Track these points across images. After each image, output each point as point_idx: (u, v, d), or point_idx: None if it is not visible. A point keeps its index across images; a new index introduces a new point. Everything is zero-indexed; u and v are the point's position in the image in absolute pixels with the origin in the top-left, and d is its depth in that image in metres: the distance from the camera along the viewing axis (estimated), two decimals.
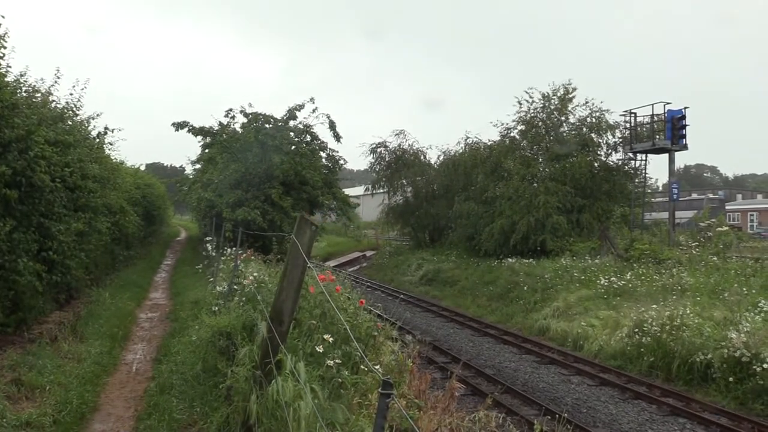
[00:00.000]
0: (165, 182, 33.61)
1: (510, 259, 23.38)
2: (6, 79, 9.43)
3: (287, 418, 3.87)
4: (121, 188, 17.62)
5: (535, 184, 25.12)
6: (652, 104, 22.83)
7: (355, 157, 60.78)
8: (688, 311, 12.65)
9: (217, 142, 22.45)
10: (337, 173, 24.20)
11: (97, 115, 14.45)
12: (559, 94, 25.99)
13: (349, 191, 33.62)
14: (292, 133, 22.18)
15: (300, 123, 22.37)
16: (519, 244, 23.97)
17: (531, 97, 26.42)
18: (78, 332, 10.34)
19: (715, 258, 17.85)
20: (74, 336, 10.05)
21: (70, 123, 12.56)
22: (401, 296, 22.38)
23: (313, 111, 22.09)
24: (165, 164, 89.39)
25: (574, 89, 25.88)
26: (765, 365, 9.82)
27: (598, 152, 26.07)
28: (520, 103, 26.68)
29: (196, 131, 22.25)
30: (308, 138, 22.80)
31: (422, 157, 34.88)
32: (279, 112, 22.38)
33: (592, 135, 25.82)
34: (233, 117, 22.37)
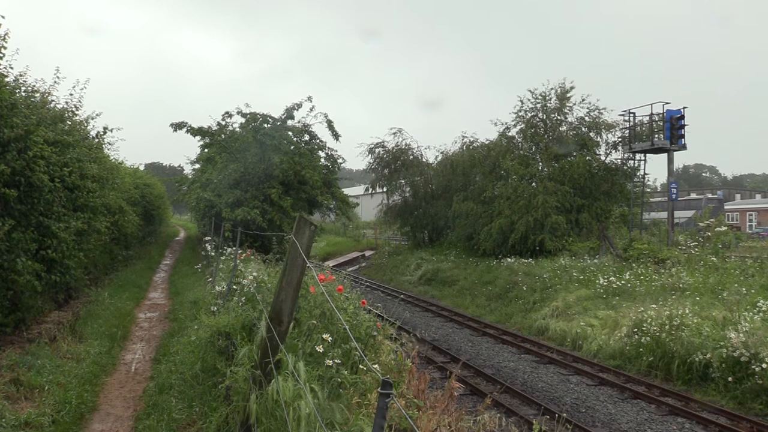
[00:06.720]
0: (164, 182, 33.60)
1: (509, 259, 23.39)
2: (6, 80, 9.42)
3: (287, 417, 3.87)
4: (120, 188, 17.62)
5: (534, 184, 25.15)
6: (651, 104, 22.91)
7: (353, 156, 61.02)
8: (687, 311, 12.66)
9: (216, 142, 22.45)
10: (336, 173, 24.20)
11: (97, 115, 14.48)
12: (556, 93, 26.02)
13: (348, 191, 33.62)
14: (290, 133, 22.18)
15: (298, 122, 22.40)
16: (518, 243, 24.00)
17: (533, 95, 26.45)
18: (77, 332, 10.33)
19: (714, 258, 17.86)
20: (73, 336, 10.04)
21: (70, 123, 12.55)
22: (401, 296, 22.39)
23: (311, 110, 22.14)
24: (164, 164, 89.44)
25: (572, 87, 25.95)
26: (764, 365, 9.83)
27: (597, 152, 26.13)
28: (522, 102, 26.75)
29: (195, 131, 22.24)
30: (307, 137, 22.81)
31: (420, 157, 34.96)
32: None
33: (591, 134, 25.87)
34: (230, 116, 22.36)
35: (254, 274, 8.40)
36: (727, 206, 59.79)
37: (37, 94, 11.43)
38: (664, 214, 27.25)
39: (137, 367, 9.46)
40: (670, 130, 22.11)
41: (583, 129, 25.97)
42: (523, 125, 26.90)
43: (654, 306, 13.43)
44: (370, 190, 37.14)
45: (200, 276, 16.03)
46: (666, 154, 22.79)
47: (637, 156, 24.08)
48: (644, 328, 12.68)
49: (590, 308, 15.92)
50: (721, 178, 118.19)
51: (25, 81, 10.98)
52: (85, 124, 13.94)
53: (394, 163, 34.78)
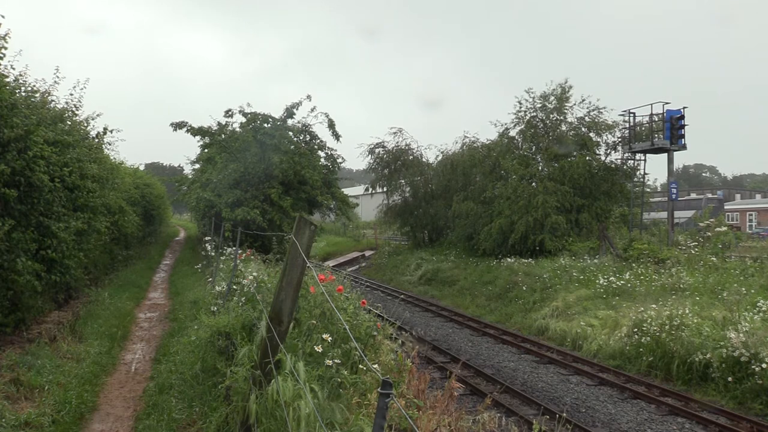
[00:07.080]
0: (164, 182, 33.60)
1: (509, 259, 23.38)
2: (6, 80, 9.42)
3: (286, 417, 3.87)
4: (120, 188, 17.62)
5: (534, 184, 25.15)
6: (651, 104, 22.90)
7: (353, 156, 61.14)
8: (687, 311, 12.66)
9: (216, 141, 22.45)
10: (336, 173, 24.20)
11: (97, 115, 14.49)
12: (556, 94, 26.04)
13: (348, 191, 33.63)
14: (290, 133, 22.19)
15: (298, 122, 22.41)
16: (518, 243, 24.00)
17: (531, 96, 26.47)
18: (77, 332, 10.33)
19: (713, 258, 17.86)
20: (73, 336, 10.04)
21: (70, 123, 12.56)
22: (401, 296, 22.39)
23: (312, 110, 22.17)
24: (164, 164, 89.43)
25: (570, 87, 25.98)
26: (764, 365, 9.83)
27: (597, 152, 26.13)
28: (520, 103, 26.77)
29: (195, 131, 22.24)
30: (307, 137, 22.81)
31: (420, 157, 34.96)
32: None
33: (591, 134, 25.88)
34: (232, 115, 22.36)
35: (254, 274, 8.40)
36: (727, 206, 59.75)
37: (37, 94, 11.43)
38: (664, 214, 27.25)
39: (137, 367, 9.46)
40: (670, 130, 22.11)
41: (583, 129, 25.98)
42: (522, 126, 26.91)
43: (654, 306, 13.43)
44: (370, 190, 37.13)
45: (200, 276, 16.04)
46: (666, 154, 22.78)
47: (637, 156, 24.08)
48: (644, 328, 12.67)
49: (590, 308, 15.92)
50: (721, 178, 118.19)
51: (25, 81, 10.99)
52: (85, 125, 13.95)
53: (394, 163, 34.76)
